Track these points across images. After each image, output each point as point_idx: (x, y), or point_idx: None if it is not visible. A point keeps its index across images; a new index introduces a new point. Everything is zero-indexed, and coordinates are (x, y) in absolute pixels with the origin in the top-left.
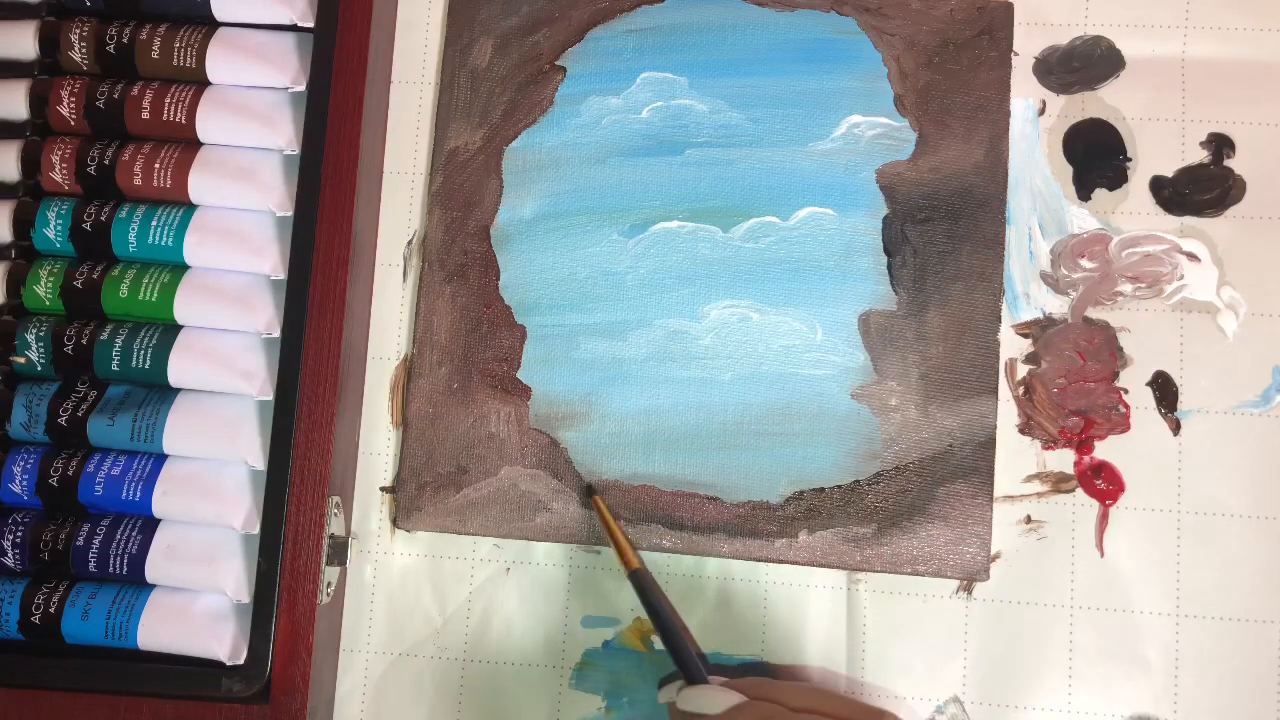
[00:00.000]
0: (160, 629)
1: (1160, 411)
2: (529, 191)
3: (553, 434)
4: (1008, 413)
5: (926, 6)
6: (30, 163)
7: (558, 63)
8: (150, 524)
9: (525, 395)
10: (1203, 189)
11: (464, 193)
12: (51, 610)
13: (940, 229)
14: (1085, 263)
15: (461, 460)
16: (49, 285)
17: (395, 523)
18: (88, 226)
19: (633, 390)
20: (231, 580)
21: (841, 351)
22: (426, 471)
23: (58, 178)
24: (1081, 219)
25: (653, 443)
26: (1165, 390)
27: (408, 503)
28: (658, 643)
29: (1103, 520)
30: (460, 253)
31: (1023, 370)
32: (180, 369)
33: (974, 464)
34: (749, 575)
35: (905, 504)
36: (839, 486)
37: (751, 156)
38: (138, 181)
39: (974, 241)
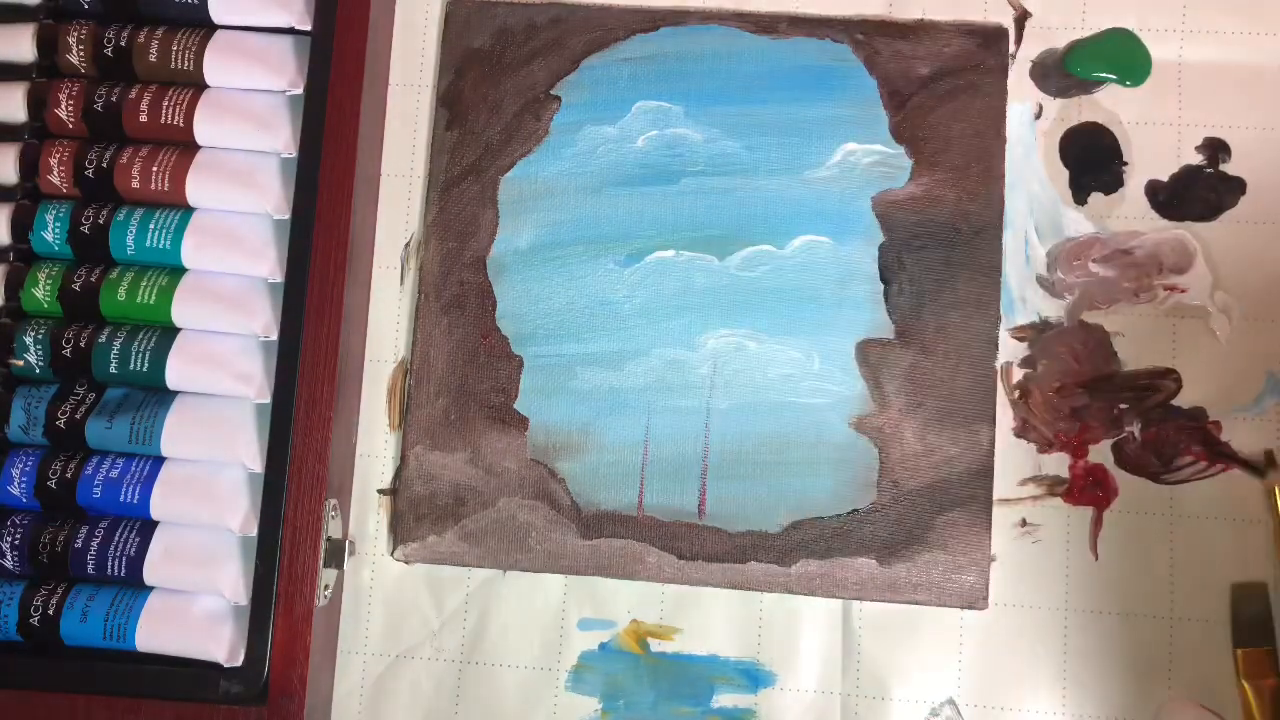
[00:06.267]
0: (158, 631)
1: None
2: (525, 221)
3: (550, 465)
4: (1004, 416)
5: (921, 33)
6: (28, 165)
7: (553, 92)
8: (148, 526)
9: (523, 426)
10: (1198, 193)
11: (460, 223)
12: (50, 612)
13: (936, 256)
14: (1081, 266)
15: (459, 492)
16: (47, 288)
17: (393, 555)
18: (86, 229)
19: (630, 420)
20: (229, 582)
21: (839, 380)
22: (424, 504)
23: (56, 180)
24: (1077, 223)
25: (651, 473)
26: (1158, 395)
27: (405, 534)
28: (654, 645)
29: (1096, 523)
30: (456, 283)
31: (1019, 374)
32: (178, 372)
33: (972, 492)
34: None
35: (903, 533)
36: (837, 516)
37: (747, 185)
38: (136, 184)
39: (970, 269)
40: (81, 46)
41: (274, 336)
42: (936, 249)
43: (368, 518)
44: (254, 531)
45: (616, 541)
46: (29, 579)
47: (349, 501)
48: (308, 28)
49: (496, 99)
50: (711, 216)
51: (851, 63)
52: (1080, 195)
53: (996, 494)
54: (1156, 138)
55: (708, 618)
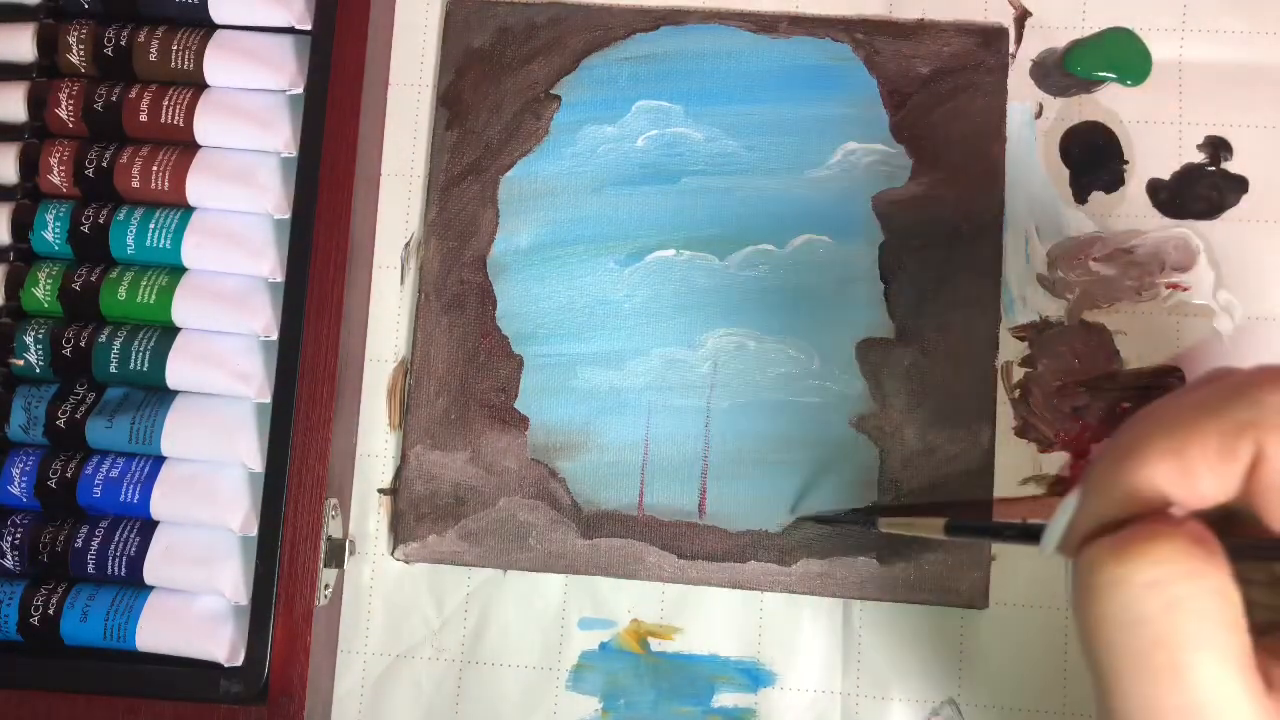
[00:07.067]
0: (159, 631)
1: None
2: (525, 221)
3: (551, 464)
4: (1004, 416)
5: (921, 33)
6: (29, 165)
7: (553, 91)
8: (148, 526)
9: (523, 425)
10: (1200, 191)
11: (460, 223)
12: (50, 612)
13: (936, 256)
14: (1082, 265)
15: (459, 492)
16: (47, 287)
17: (393, 555)
18: (86, 229)
19: (630, 419)
20: (229, 582)
21: (839, 379)
22: (425, 504)
23: (56, 180)
24: (1078, 222)
25: (651, 472)
26: (1161, 393)
27: (406, 534)
28: (654, 644)
29: None
30: (457, 283)
31: (1019, 373)
32: (178, 371)
33: (972, 491)
34: None
35: None
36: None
37: (747, 184)
38: (136, 184)
39: (970, 269)
40: (81, 46)
41: (274, 336)
42: (936, 248)
43: (368, 517)
44: (254, 531)
45: (616, 541)
46: (29, 579)
47: (349, 501)
48: (308, 28)
49: (497, 98)
50: (712, 216)
51: (852, 62)
52: (1081, 194)
53: (996, 494)
54: (1157, 136)
55: (708, 617)
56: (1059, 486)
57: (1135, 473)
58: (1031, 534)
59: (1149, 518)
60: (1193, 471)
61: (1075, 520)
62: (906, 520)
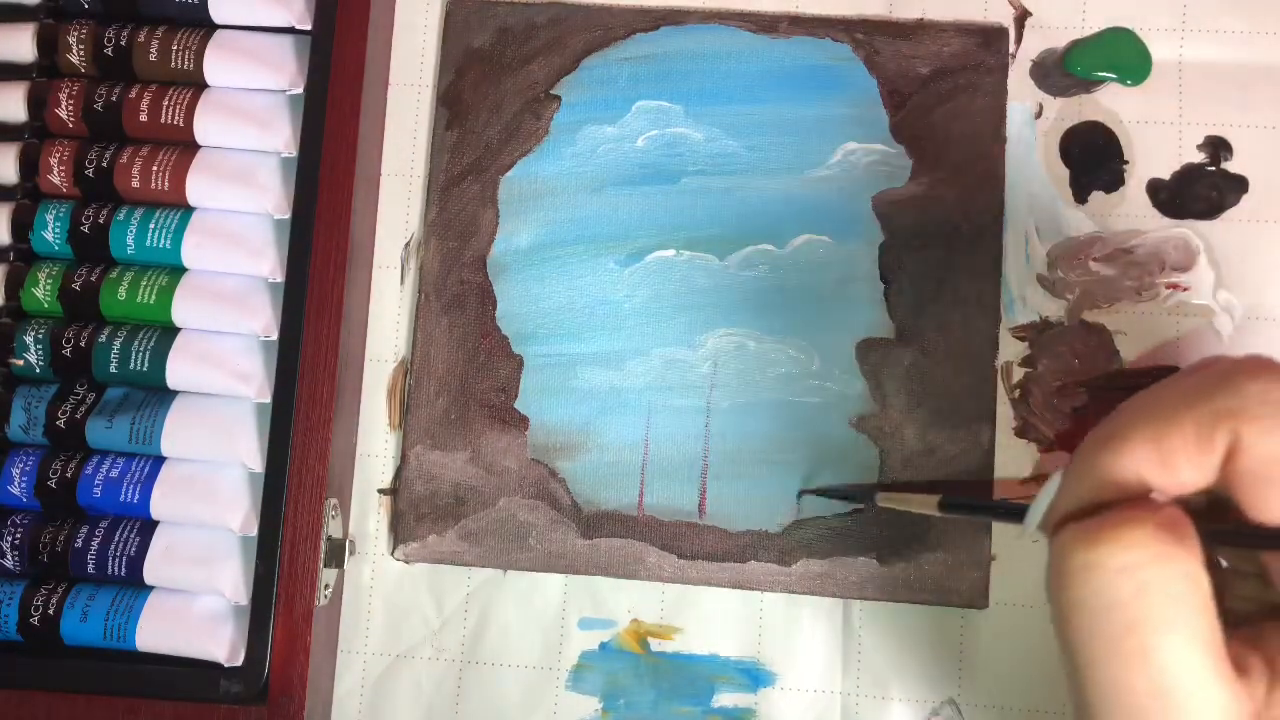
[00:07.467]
0: (159, 631)
1: None
2: (525, 221)
3: (551, 464)
4: (1004, 416)
5: (921, 33)
6: (29, 165)
7: (553, 91)
8: (148, 526)
9: (523, 425)
10: (1200, 191)
11: (460, 223)
12: (50, 612)
13: (936, 256)
14: (1081, 265)
15: (459, 492)
16: (47, 288)
17: (393, 555)
18: (86, 229)
19: (630, 419)
20: (229, 582)
21: (839, 379)
22: (425, 504)
23: (56, 180)
24: (1078, 222)
25: (651, 472)
26: None
27: (406, 534)
28: (654, 644)
29: None
30: (457, 283)
31: (1019, 373)
32: (178, 371)
33: (972, 491)
34: None
35: (905, 533)
36: (838, 515)
37: (747, 184)
38: (136, 184)
39: (970, 269)
40: (81, 46)
41: (274, 336)
42: (936, 249)
43: (368, 517)
44: (254, 531)
45: (616, 541)
46: (29, 579)
47: (349, 501)
48: (308, 28)
49: (497, 99)
50: (712, 216)
51: (852, 62)
52: (1081, 194)
53: (996, 494)
54: (1157, 136)
55: (708, 617)
56: None
57: (1115, 458)
58: (1021, 513)
59: (1124, 503)
60: (1171, 459)
61: (1056, 501)
62: (903, 495)
